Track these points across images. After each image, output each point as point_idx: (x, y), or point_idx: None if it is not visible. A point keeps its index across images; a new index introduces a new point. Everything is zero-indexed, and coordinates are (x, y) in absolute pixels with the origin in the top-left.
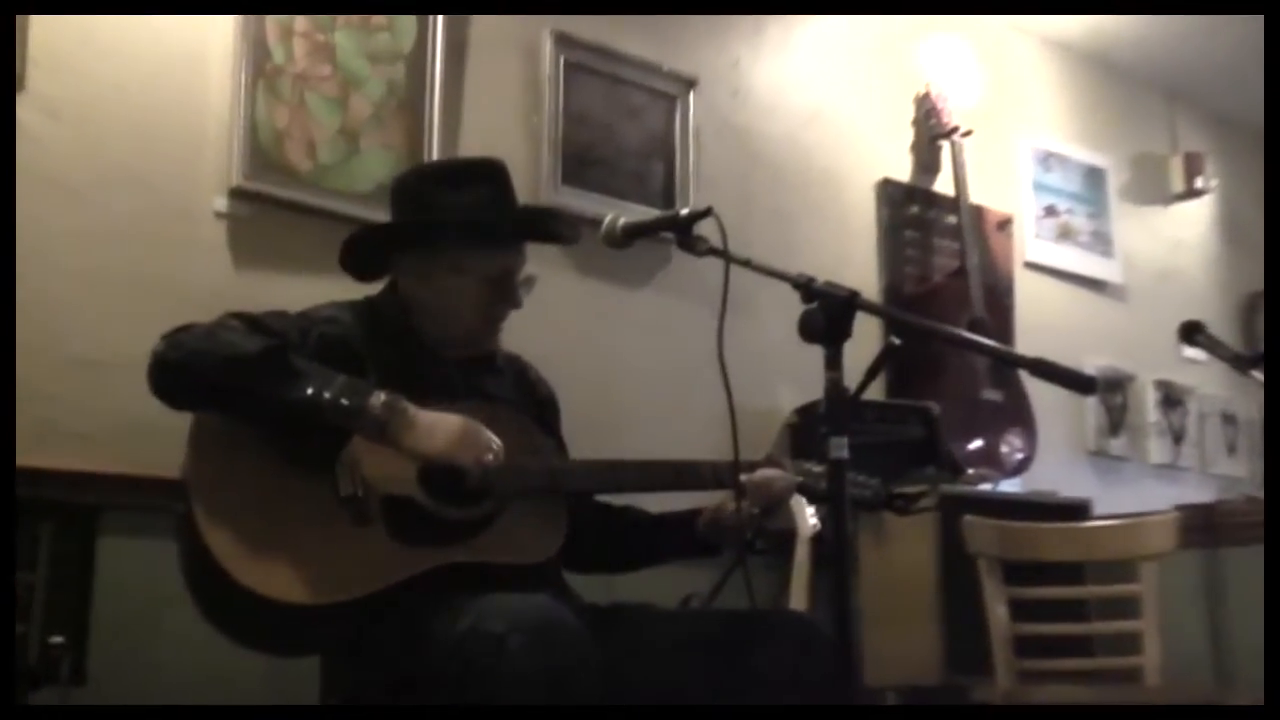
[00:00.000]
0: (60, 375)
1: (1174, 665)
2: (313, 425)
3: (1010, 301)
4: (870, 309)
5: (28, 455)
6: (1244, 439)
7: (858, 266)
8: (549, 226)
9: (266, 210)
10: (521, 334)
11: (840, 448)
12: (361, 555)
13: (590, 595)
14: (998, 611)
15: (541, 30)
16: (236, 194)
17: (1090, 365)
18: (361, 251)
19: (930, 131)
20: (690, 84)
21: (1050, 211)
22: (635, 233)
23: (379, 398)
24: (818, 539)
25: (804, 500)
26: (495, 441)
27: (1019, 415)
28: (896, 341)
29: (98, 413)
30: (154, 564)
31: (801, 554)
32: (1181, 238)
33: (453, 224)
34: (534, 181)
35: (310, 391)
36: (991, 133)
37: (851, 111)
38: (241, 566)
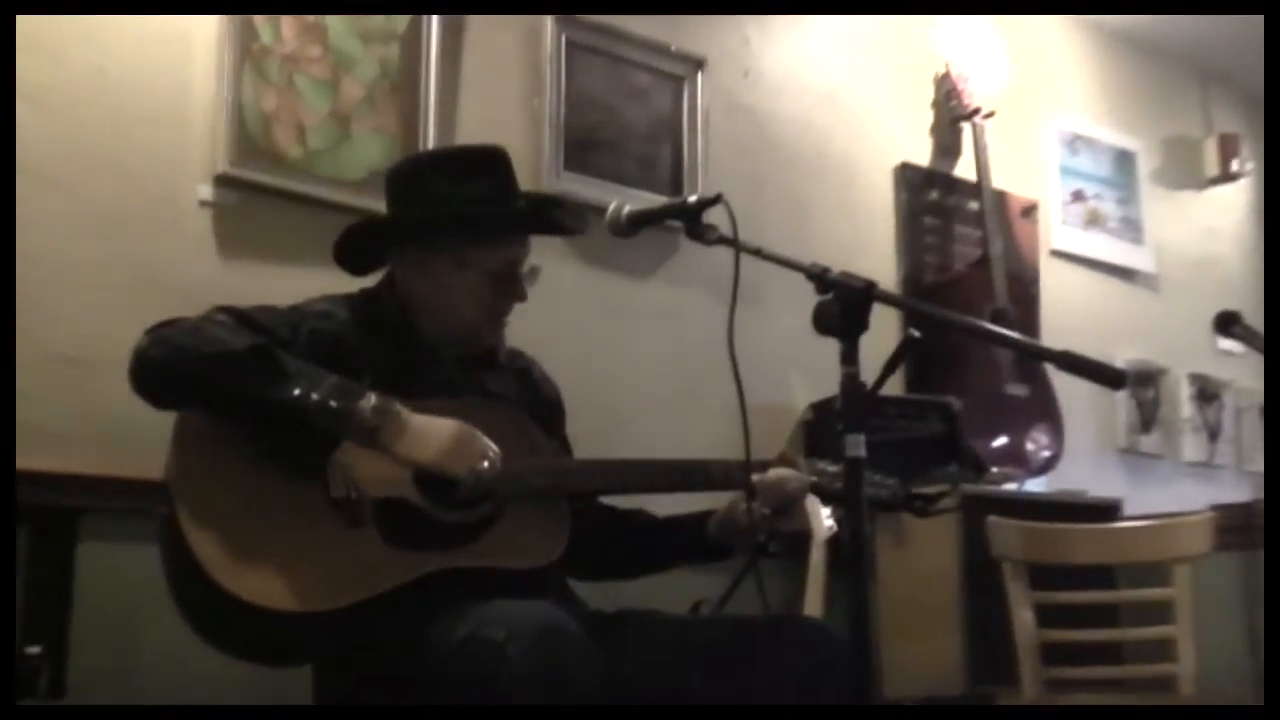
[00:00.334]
0: (36, 372)
1: (1210, 673)
2: (299, 427)
3: (1035, 291)
4: (888, 300)
5: None
6: None
7: (875, 255)
8: (554, 217)
9: (254, 198)
10: (521, 328)
11: (857, 446)
12: (354, 560)
13: (595, 601)
14: (1023, 617)
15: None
16: (222, 181)
17: (1120, 358)
18: (357, 246)
19: (951, 113)
20: (698, 64)
21: (1078, 197)
22: (641, 221)
23: (369, 401)
24: (834, 541)
25: (819, 501)
26: (491, 449)
27: (1045, 411)
28: (916, 334)
29: (76, 411)
30: (136, 570)
31: (816, 557)
32: (1216, 224)
33: (454, 217)
34: (535, 167)
35: (297, 392)
36: (1015, 114)
37: (868, 92)
38: (228, 572)
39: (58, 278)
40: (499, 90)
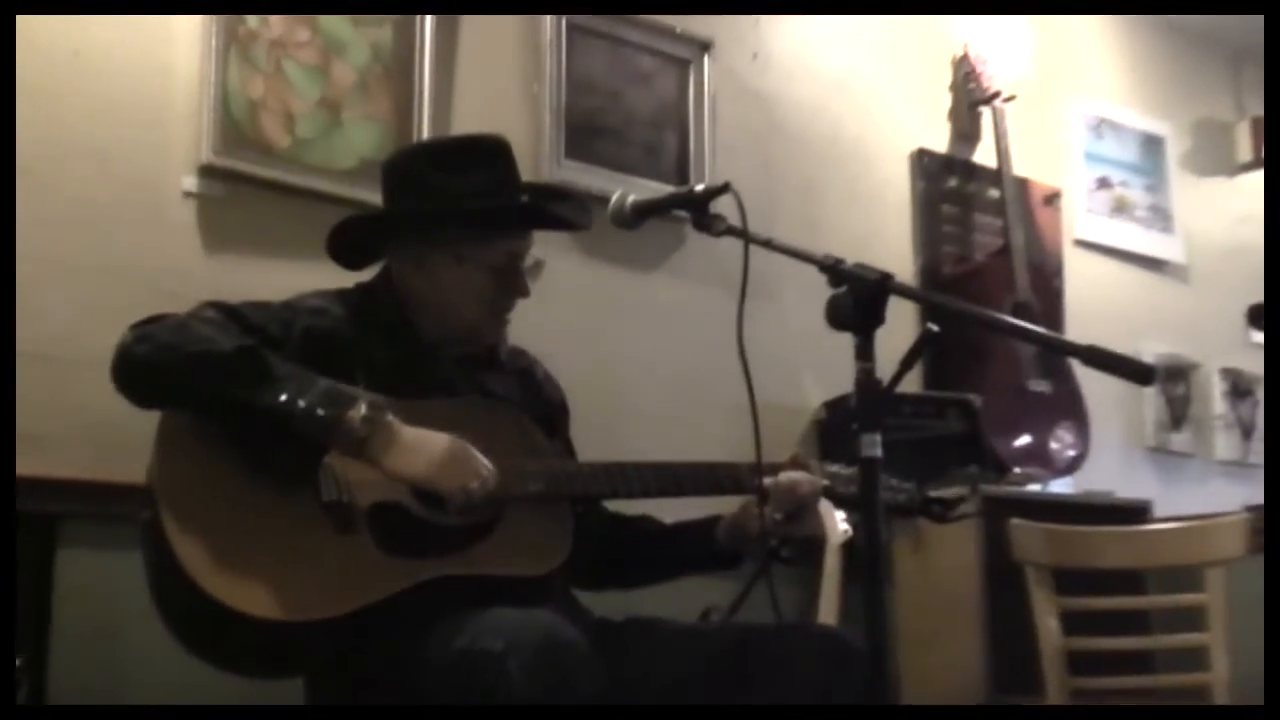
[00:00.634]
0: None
1: (1245, 683)
2: (285, 434)
3: (1059, 283)
4: (905, 293)
5: None
6: None
7: (890, 246)
8: (557, 211)
9: (240, 189)
10: (520, 324)
11: (873, 445)
12: (347, 567)
13: (601, 609)
14: (1048, 624)
15: None
16: (207, 172)
17: (1149, 353)
18: (351, 240)
19: (970, 97)
20: (705, 46)
21: (1103, 184)
22: (646, 211)
23: (359, 410)
24: (849, 546)
25: (832, 504)
26: (484, 466)
27: (1070, 408)
28: (934, 328)
29: (54, 412)
30: (118, 578)
31: (831, 563)
32: (1249, 211)
33: (451, 211)
34: (534, 155)
35: (284, 398)
36: (1037, 97)
37: (883, 75)
38: (214, 578)
39: (33, 272)
40: (497, 75)
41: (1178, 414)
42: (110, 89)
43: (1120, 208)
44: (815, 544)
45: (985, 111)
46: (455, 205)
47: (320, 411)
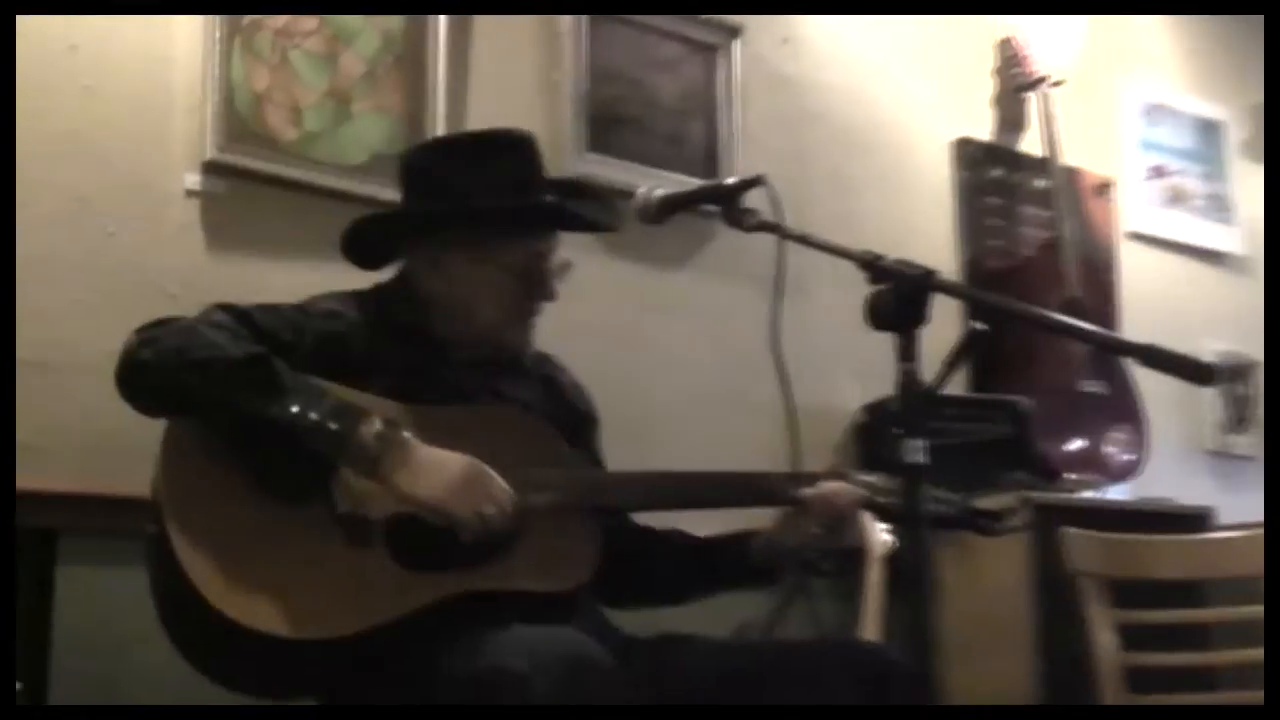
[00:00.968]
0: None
1: None
2: (293, 447)
3: (1112, 278)
4: (948, 289)
5: None
6: None
7: (932, 240)
8: (584, 214)
9: (245, 186)
10: (540, 325)
11: (916, 451)
12: (362, 582)
13: (630, 626)
14: (1104, 639)
15: None
16: (210, 168)
17: (1208, 350)
18: (367, 240)
19: (1014, 81)
20: (733, 31)
21: (1158, 172)
22: (673, 205)
23: (373, 426)
24: (891, 557)
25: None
26: (502, 490)
27: (1125, 410)
28: (980, 327)
29: (50, 422)
30: (122, 595)
31: (873, 575)
32: None
33: (469, 211)
34: (555, 148)
35: (295, 410)
36: (1087, 82)
37: (922, 59)
38: (224, 595)
39: (26, 275)
40: (514, 63)
41: (1240, 415)
42: (108, 82)
43: (1176, 197)
44: (856, 554)
45: (1031, 97)
46: (474, 204)
47: (332, 425)
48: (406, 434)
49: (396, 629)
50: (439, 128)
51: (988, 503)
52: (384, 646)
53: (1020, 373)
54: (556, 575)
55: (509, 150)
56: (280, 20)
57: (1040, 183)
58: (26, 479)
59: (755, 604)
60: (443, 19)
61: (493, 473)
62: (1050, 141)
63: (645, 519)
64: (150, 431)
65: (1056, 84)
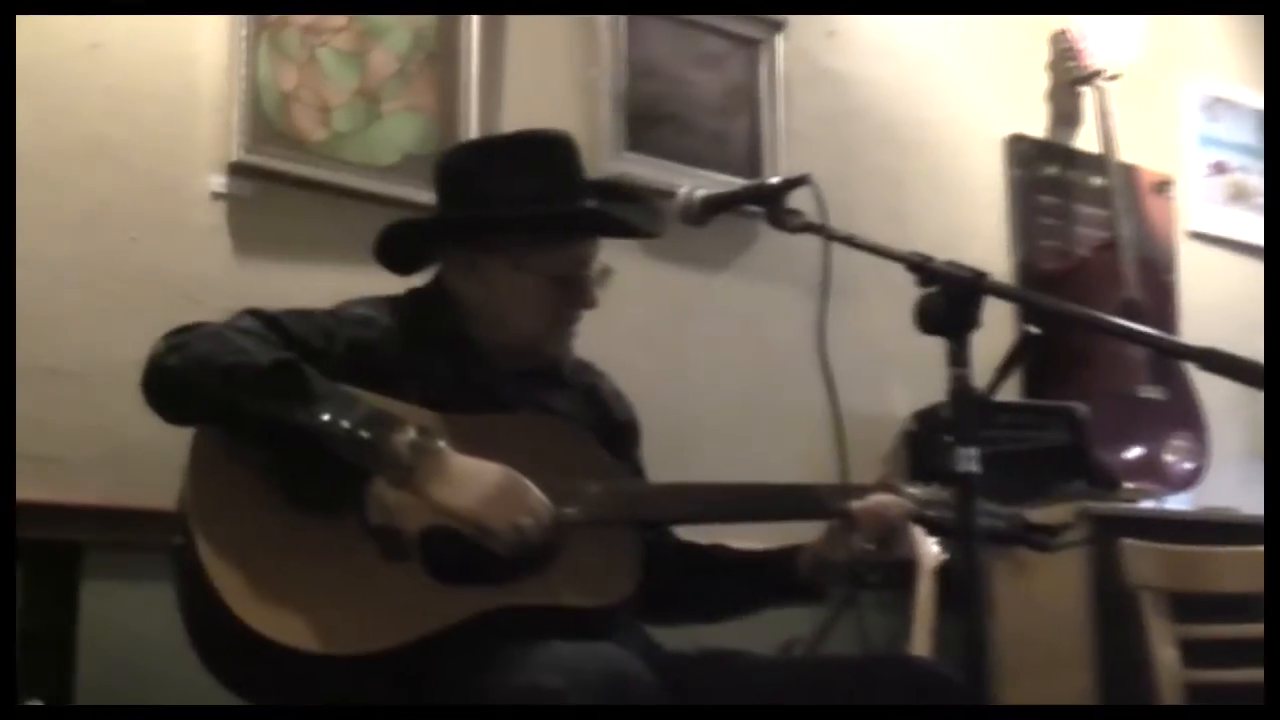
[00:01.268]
0: (23, 388)
1: None
2: (324, 457)
3: (1171, 279)
4: (1001, 292)
5: None
6: None
7: (983, 240)
8: (626, 219)
9: (272, 188)
10: (577, 331)
11: (969, 460)
12: (396, 596)
13: (673, 642)
14: (1165, 655)
15: None
16: (236, 169)
17: None
18: (400, 244)
19: (1069, 75)
20: (777, 25)
21: (1219, 169)
22: (716, 206)
23: (407, 435)
24: (943, 571)
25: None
26: (540, 502)
27: (1185, 417)
28: (1034, 330)
29: (72, 432)
30: (147, 611)
31: (924, 589)
32: None
33: (506, 219)
34: (593, 147)
35: (326, 418)
36: (1145, 76)
37: (973, 52)
38: (252, 609)
39: (48, 280)
40: (550, 60)
41: None
42: (131, 82)
43: (1238, 195)
44: (907, 568)
45: (1087, 92)
46: (513, 211)
47: (364, 434)
48: (441, 443)
49: (430, 645)
50: (472, 127)
51: (1043, 516)
52: (417, 663)
53: (1076, 378)
54: (597, 590)
55: (547, 152)
56: (308, 18)
57: (1096, 180)
58: (49, 491)
59: (801, 619)
60: (475, 16)
61: (529, 484)
62: (1106, 138)
63: (688, 533)
64: (176, 442)
65: (1113, 78)
